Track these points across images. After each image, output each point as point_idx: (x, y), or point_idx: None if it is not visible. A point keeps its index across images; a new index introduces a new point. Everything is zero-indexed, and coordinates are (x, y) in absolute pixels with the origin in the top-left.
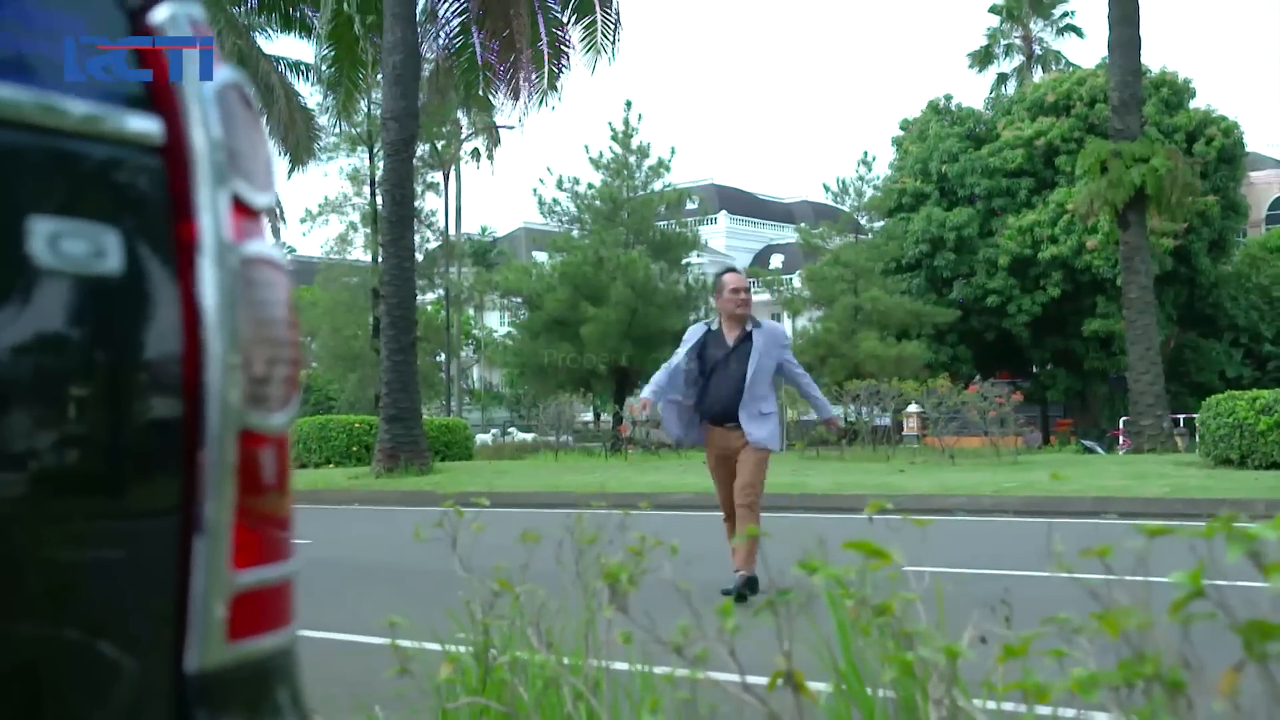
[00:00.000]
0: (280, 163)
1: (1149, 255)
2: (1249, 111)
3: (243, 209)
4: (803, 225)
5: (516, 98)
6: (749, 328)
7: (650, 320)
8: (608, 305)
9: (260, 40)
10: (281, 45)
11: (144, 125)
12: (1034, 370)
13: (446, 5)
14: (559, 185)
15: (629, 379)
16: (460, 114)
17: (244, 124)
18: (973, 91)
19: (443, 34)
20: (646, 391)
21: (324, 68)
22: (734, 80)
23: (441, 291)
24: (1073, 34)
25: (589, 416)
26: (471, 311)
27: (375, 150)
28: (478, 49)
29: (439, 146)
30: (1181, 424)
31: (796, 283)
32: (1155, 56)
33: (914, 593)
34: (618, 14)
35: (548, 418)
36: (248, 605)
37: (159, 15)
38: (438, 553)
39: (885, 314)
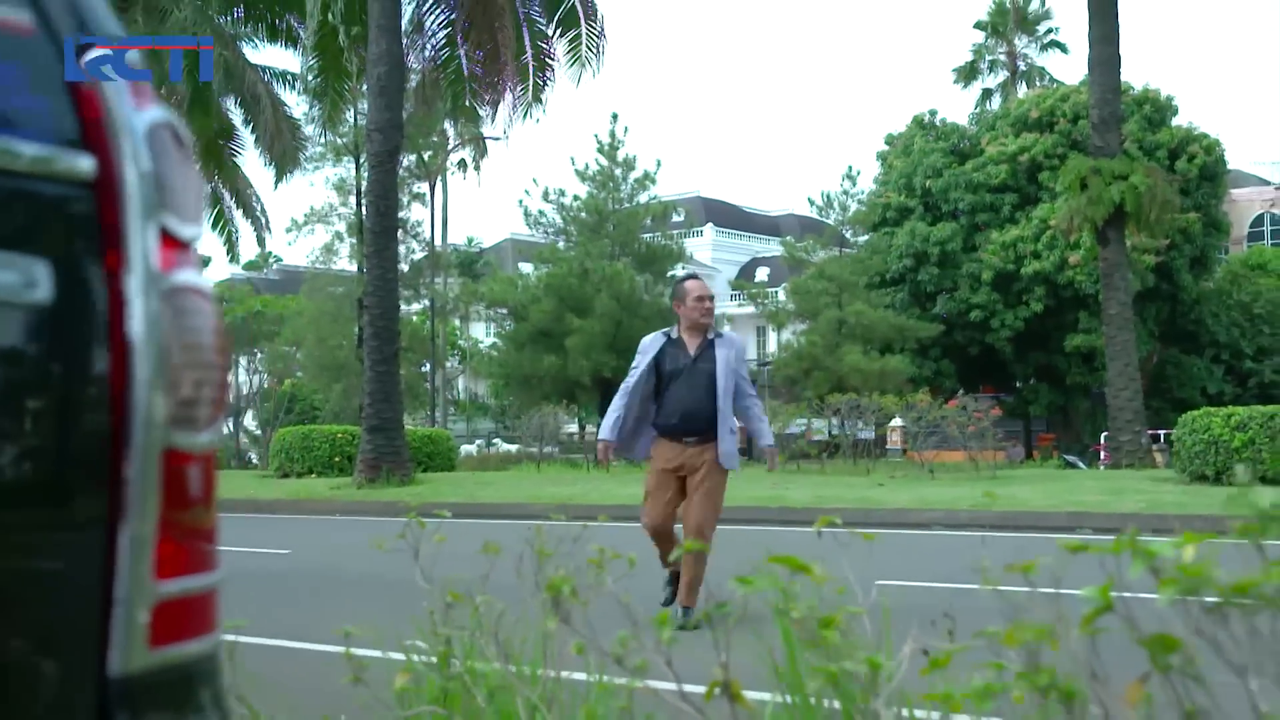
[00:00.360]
0: (266, 172)
1: (1128, 272)
2: (1232, 129)
3: (171, 241)
4: (788, 239)
5: (499, 110)
6: (710, 336)
7: (635, 332)
8: (593, 317)
9: (247, 50)
10: (268, 55)
11: (77, 162)
12: (1017, 385)
13: (432, 17)
14: (544, 197)
15: (613, 390)
16: (447, 124)
17: (175, 160)
18: (957, 107)
19: (429, 46)
20: (606, 432)
21: (310, 77)
22: (721, 94)
23: (427, 302)
24: (1057, 50)
25: (574, 428)
26: (457, 322)
27: (361, 160)
28: (463, 61)
29: (425, 157)
30: (1163, 439)
31: (781, 296)
32: (1138, 74)
33: (861, 606)
34: (602, 28)
35: (531, 429)
36: (170, 613)
37: (92, 57)
38: (411, 563)
39: (869, 328)
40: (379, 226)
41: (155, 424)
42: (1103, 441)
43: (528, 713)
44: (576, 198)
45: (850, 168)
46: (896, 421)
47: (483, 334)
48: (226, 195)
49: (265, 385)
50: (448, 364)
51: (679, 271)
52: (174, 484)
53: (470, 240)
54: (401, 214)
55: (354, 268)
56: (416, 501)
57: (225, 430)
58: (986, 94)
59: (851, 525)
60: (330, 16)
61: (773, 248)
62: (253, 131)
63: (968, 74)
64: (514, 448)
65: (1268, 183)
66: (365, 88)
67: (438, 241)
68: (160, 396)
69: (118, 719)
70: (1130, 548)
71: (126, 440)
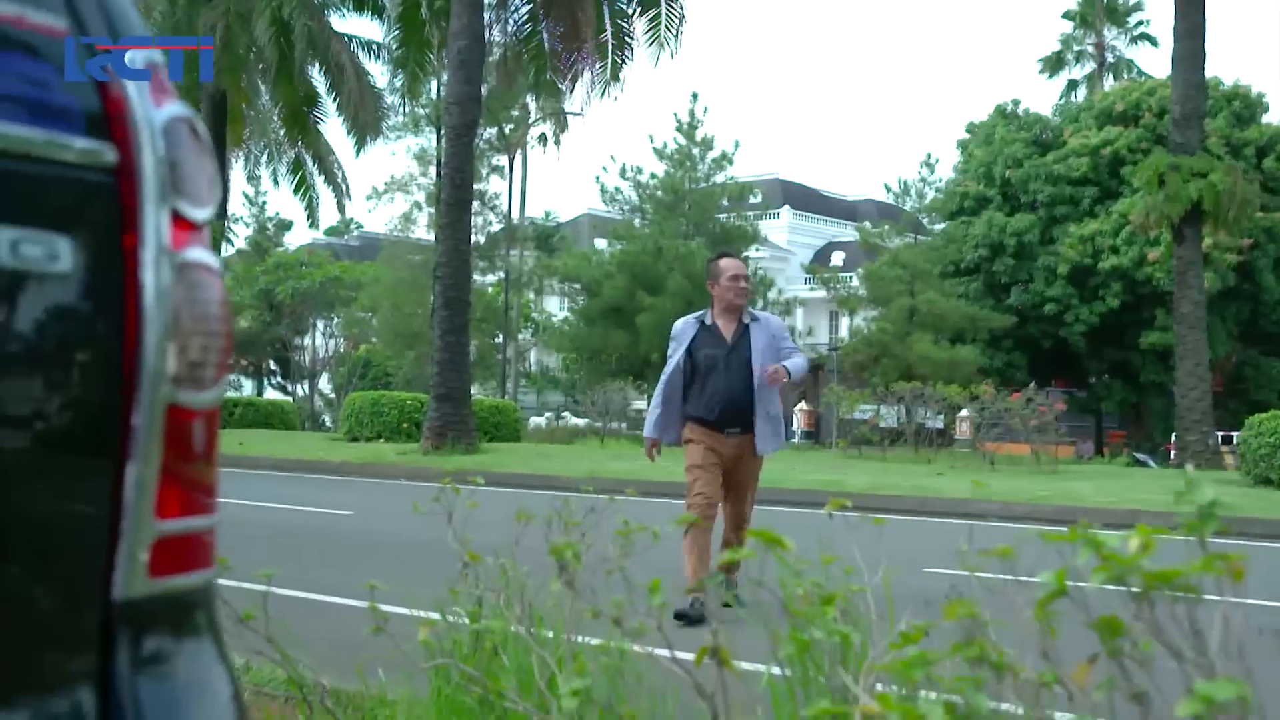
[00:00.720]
0: (348, 140)
1: (1201, 270)
2: None
3: (183, 222)
4: (865, 224)
5: (578, 87)
6: (746, 320)
7: None
8: (664, 295)
9: (333, 19)
10: (353, 24)
11: (101, 151)
12: (1090, 380)
13: None
14: (622, 174)
15: None
16: (529, 99)
17: (190, 151)
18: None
19: (511, 21)
20: (650, 430)
21: (393, 47)
22: (803, 76)
23: (502, 274)
24: (1146, 43)
25: (641, 404)
26: (531, 295)
27: (441, 132)
28: (545, 37)
29: (506, 130)
30: (1235, 441)
31: (854, 281)
32: (1229, 69)
33: (865, 587)
34: (682, 8)
35: (598, 404)
36: (168, 549)
37: (120, 58)
38: (467, 530)
39: (940, 317)
40: (454, 199)
41: (162, 381)
42: (1174, 440)
43: (541, 670)
44: (654, 176)
45: (929, 155)
46: (965, 412)
47: (556, 308)
48: (309, 161)
49: (341, 350)
50: (520, 336)
51: (753, 253)
52: (176, 435)
53: (547, 214)
54: (479, 186)
55: (431, 237)
56: (478, 469)
57: (300, 393)
58: (1072, 85)
59: (908, 513)
60: None
61: (850, 232)
62: (336, 100)
63: (1054, 64)
64: (582, 422)
65: None
66: (446, 60)
67: (515, 214)
68: (167, 358)
69: (119, 635)
70: (1080, 538)
71: (136, 395)
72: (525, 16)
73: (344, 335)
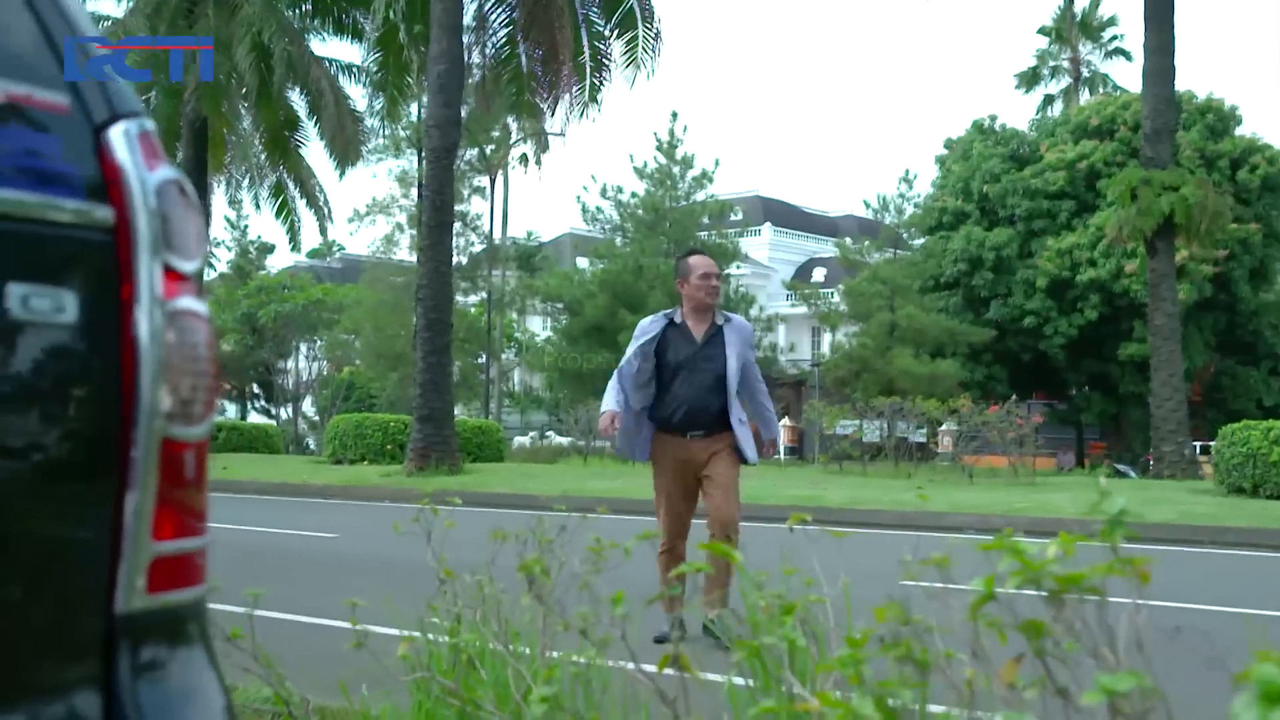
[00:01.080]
0: (330, 163)
1: (1175, 283)
2: None
3: (174, 274)
4: (845, 240)
5: (557, 109)
6: (718, 321)
7: None
8: (646, 313)
9: (313, 43)
10: (333, 48)
11: (100, 213)
12: (1070, 393)
13: (494, 15)
14: (603, 193)
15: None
16: (509, 119)
17: (180, 210)
18: (1018, 112)
19: (489, 44)
20: (610, 402)
21: (372, 70)
22: (782, 93)
23: (485, 294)
24: (1121, 57)
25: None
26: (514, 315)
27: (423, 154)
28: (523, 59)
29: (487, 151)
30: (1212, 451)
31: (835, 297)
32: (1202, 83)
33: (825, 597)
34: (659, 30)
35: (581, 423)
36: (164, 568)
37: (115, 129)
38: (447, 550)
39: (920, 331)
40: (434, 221)
41: (156, 418)
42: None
43: (517, 683)
44: (634, 195)
45: (908, 171)
46: (947, 426)
47: (539, 327)
48: (290, 184)
49: (324, 372)
50: (503, 356)
51: (734, 270)
52: (170, 466)
53: (529, 234)
54: (461, 207)
55: (414, 258)
56: (461, 490)
57: (284, 416)
58: (1048, 100)
59: (889, 528)
60: (392, 14)
61: (830, 249)
62: (317, 123)
63: (1030, 79)
64: (566, 440)
65: None
66: (425, 83)
67: (497, 235)
68: (161, 396)
69: (121, 644)
70: (1004, 547)
71: (133, 430)
72: (504, 39)
73: (327, 358)
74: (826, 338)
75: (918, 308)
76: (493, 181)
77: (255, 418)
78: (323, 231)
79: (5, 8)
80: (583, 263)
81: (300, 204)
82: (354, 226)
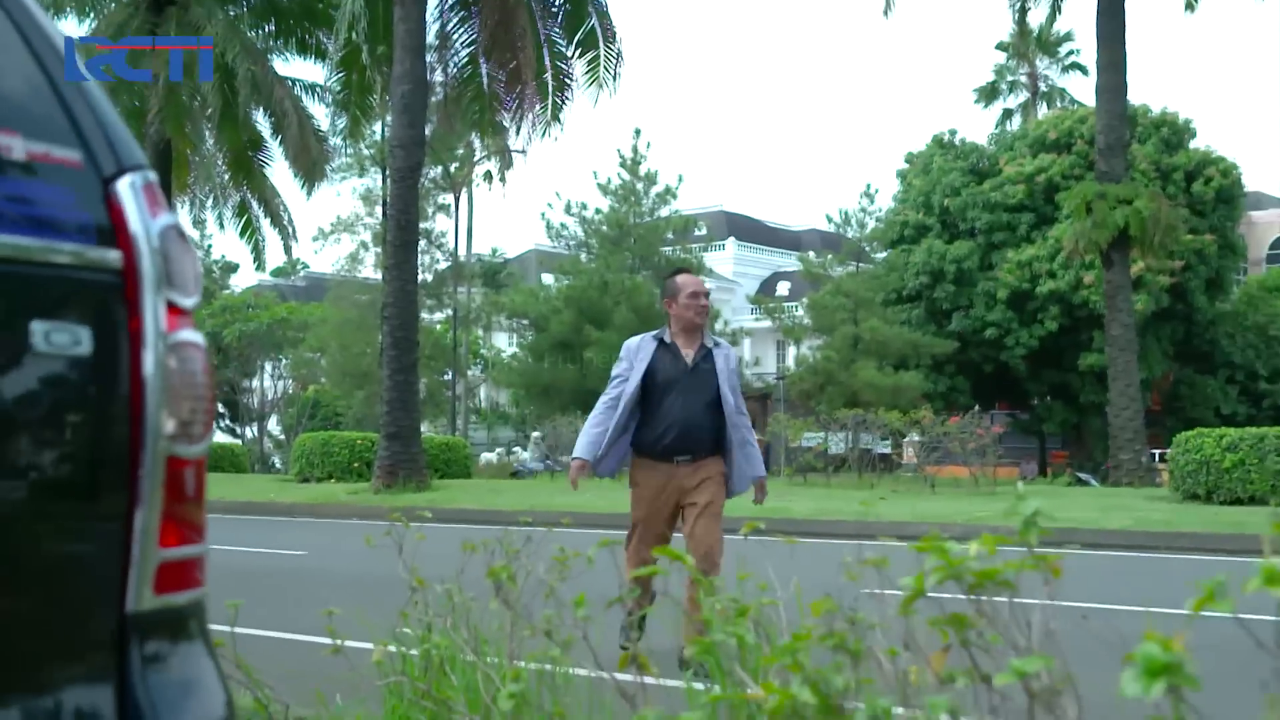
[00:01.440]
0: (294, 182)
1: (1130, 294)
2: (1252, 151)
3: (175, 309)
4: (809, 254)
5: (521, 127)
6: (708, 343)
7: None
8: (611, 329)
9: (277, 63)
10: (296, 68)
11: (110, 257)
12: (1032, 402)
13: (457, 35)
14: (567, 210)
15: None
16: (473, 136)
17: (179, 251)
18: (977, 127)
19: (452, 63)
20: (584, 450)
21: (336, 89)
22: (744, 109)
23: (450, 311)
24: (1077, 72)
25: None
26: (480, 332)
27: (387, 172)
28: (484, 78)
29: (451, 169)
30: (1168, 458)
31: (799, 311)
32: (1157, 96)
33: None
34: (620, 50)
35: (548, 439)
36: (169, 572)
37: (122, 181)
38: (417, 564)
39: (884, 344)
40: (400, 240)
41: (161, 438)
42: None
43: (487, 686)
44: (599, 211)
45: (869, 185)
46: (913, 436)
47: (505, 344)
48: (254, 204)
49: (290, 391)
50: (470, 373)
51: None
52: (174, 481)
53: (494, 251)
54: (426, 225)
55: (379, 276)
56: (429, 506)
57: (249, 435)
58: (1007, 114)
59: (852, 537)
60: (355, 34)
61: (794, 262)
62: (281, 143)
63: (989, 94)
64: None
65: None
66: (389, 103)
67: (462, 252)
68: (165, 419)
69: (131, 640)
70: (930, 548)
71: (141, 449)
72: (466, 59)
73: (292, 376)
74: (791, 351)
75: (881, 320)
76: (457, 199)
77: (221, 437)
78: (287, 250)
79: (24, 74)
80: (548, 279)
81: (264, 223)
82: (319, 245)
